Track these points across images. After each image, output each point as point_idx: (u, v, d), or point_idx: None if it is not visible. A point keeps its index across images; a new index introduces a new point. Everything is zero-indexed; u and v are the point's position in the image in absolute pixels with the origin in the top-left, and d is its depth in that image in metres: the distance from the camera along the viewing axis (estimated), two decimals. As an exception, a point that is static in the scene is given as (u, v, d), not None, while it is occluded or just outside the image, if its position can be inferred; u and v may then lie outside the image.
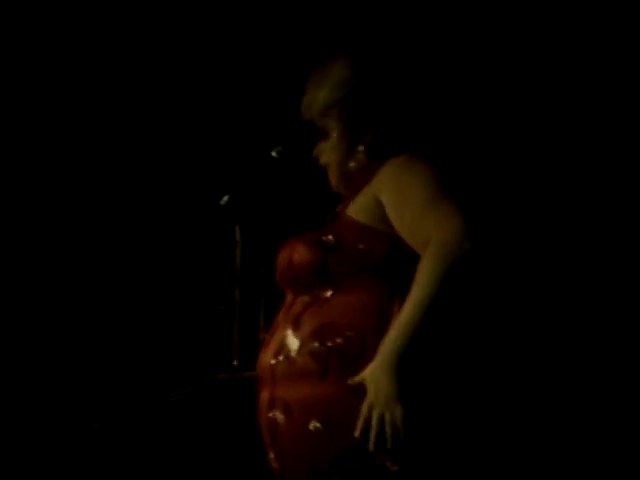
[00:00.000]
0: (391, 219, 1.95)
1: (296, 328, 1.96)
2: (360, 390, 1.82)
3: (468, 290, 1.89)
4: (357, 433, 1.79)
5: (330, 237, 1.98)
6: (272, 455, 1.98)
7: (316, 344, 1.91)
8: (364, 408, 1.79)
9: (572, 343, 2.82)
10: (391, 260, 1.94)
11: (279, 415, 1.93)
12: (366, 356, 1.85)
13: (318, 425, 1.87)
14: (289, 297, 2.07)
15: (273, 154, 2.17)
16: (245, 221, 2.17)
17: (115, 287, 3.15)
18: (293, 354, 1.94)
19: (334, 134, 2.12)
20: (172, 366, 3.04)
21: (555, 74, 2.86)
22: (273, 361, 1.98)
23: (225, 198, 2.13)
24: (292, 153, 2.18)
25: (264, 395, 2.01)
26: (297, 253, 2.00)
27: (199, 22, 3.11)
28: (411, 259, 1.89)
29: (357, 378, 1.83)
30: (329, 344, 1.90)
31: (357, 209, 2.00)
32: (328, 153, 2.14)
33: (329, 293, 1.97)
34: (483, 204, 2.63)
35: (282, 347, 1.97)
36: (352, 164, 2.12)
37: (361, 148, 2.10)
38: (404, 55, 2.23)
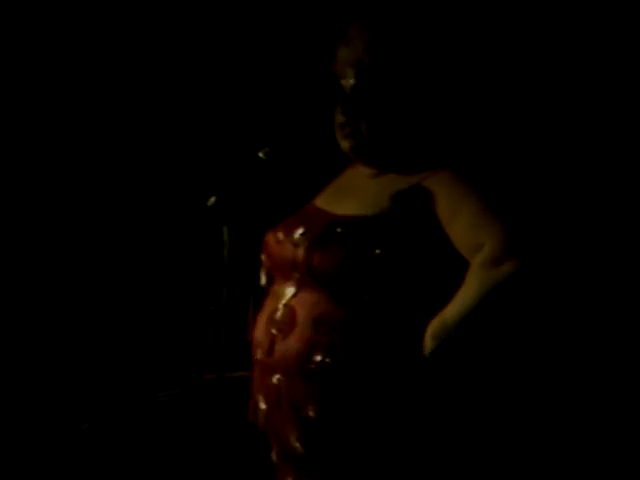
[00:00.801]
0: (445, 229, 1.94)
1: (332, 329, 1.97)
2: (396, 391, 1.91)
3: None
4: None
5: (374, 246, 1.96)
6: (297, 444, 2.00)
7: (356, 347, 1.94)
8: None
9: (572, 342, 2.82)
10: (431, 274, 1.96)
11: (313, 410, 1.96)
12: (402, 361, 1.92)
13: (354, 422, 1.93)
14: (302, 289, 2.04)
15: (260, 155, 2.16)
16: (233, 222, 2.17)
17: (103, 287, 3.14)
18: (333, 356, 1.95)
19: (382, 105, 2.05)
20: (161, 366, 3.04)
21: (560, 76, 2.86)
22: (307, 359, 1.98)
23: (212, 199, 2.13)
24: (280, 154, 2.18)
25: (292, 389, 2.01)
26: (337, 258, 1.97)
27: (183, 24, 3.10)
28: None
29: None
30: (370, 349, 1.93)
31: (408, 224, 1.98)
32: (368, 118, 2.05)
33: (361, 297, 1.97)
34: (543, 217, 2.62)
35: (318, 346, 1.97)
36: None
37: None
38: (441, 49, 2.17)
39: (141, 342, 3.10)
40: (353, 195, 2.08)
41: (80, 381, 3.08)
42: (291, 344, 2.00)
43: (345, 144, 2.10)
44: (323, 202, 2.15)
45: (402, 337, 1.93)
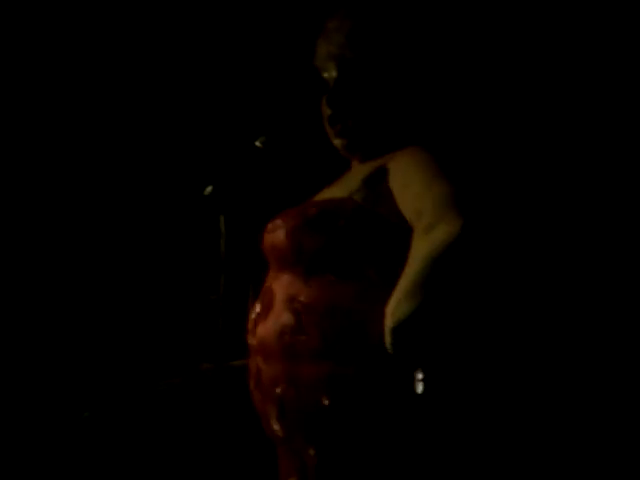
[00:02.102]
0: (397, 202, 1.97)
1: (303, 309, 1.98)
2: (369, 369, 1.90)
3: (467, 283, 1.90)
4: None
5: (342, 223, 2.00)
6: (277, 427, 2.01)
7: (328, 326, 1.95)
8: None
9: (571, 341, 2.82)
10: (399, 251, 1.93)
11: (288, 390, 1.97)
12: (373, 339, 1.90)
13: (328, 401, 1.92)
14: (281, 272, 2.07)
15: (257, 144, 2.16)
16: (230, 211, 2.17)
17: (102, 277, 3.14)
18: (303, 335, 1.96)
19: (366, 96, 2.09)
20: (161, 356, 3.05)
21: (554, 68, 2.86)
22: (279, 339, 2.00)
23: (209, 188, 2.13)
24: (276, 143, 2.18)
25: (268, 370, 2.03)
26: (307, 237, 2.01)
27: (175, 16, 3.10)
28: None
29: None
30: (340, 327, 1.94)
31: (372, 201, 2.01)
32: (354, 112, 2.11)
33: (334, 276, 1.99)
34: (485, 189, 2.62)
35: (288, 326, 1.99)
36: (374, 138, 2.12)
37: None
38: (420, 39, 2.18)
39: (140, 332, 3.11)
40: (342, 184, 2.13)
41: (80, 370, 3.08)
42: (268, 325, 2.03)
43: (337, 142, 2.15)
44: (320, 194, 2.18)
45: (370, 314, 1.92)
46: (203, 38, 3.10)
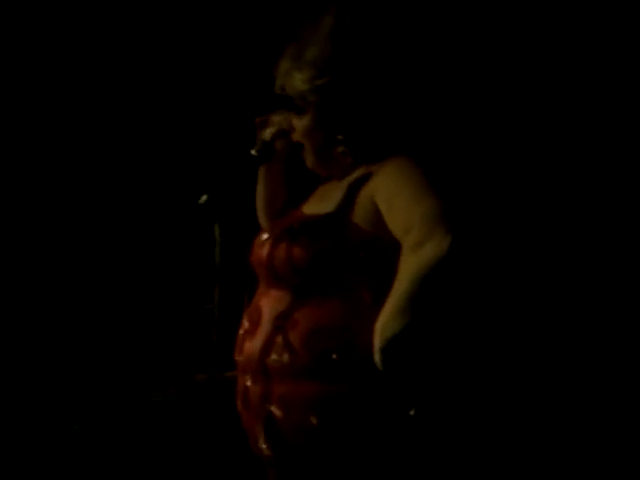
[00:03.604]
0: (384, 218, 1.95)
1: (290, 327, 1.97)
2: (356, 385, 1.89)
3: (460, 289, 1.89)
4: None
5: (329, 242, 1.97)
6: (265, 445, 1.99)
7: (315, 345, 1.93)
8: None
9: (571, 342, 2.82)
10: (388, 268, 1.93)
11: (276, 410, 1.95)
12: (362, 357, 1.88)
13: (317, 421, 1.91)
14: (269, 289, 2.06)
15: (253, 153, 2.16)
16: (224, 220, 2.16)
17: (95, 287, 3.13)
18: (290, 353, 1.95)
19: (309, 118, 2.06)
20: (153, 366, 3.03)
21: (546, 71, 2.87)
22: (265, 357, 1.98)
23: (204, 197, 2.12)
24: (272, 152, 2.17)
25: (255, 389, 2.01)
26: (295, 254, 1.98)
27: (175, 25, 3.10)
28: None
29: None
30: (328, 345, 1.92)
31: (359, 216, 1.99)
32: (302, 133, 2.08)
33: (322, 294, 1.97)
34: (474, 202, 2.63)
35: (275, 344, 1.97)
36: (331, 156, 2.08)
37: (341, 148, 2.06)
38: (398, 50, 2.15)
39: (133, 341, 3.09)
40: (327, 197, 2.09)
41: (72, 381, 3.07)
42: (255, 343, 2.02)
43: (307, 163, 2.13)
44: (306, 205, 2.16)
45: (358, 332, 1.92)
46: (200, 49, 3.10)
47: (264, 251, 2.04)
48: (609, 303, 2.81)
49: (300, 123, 2.07)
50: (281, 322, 1.98)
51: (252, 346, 2.02)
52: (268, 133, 2.14)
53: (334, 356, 1.91)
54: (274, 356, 1.97)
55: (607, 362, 2.79)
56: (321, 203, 2.09)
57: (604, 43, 2.80)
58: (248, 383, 2.03)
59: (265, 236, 2.07)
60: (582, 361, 2.80)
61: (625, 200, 2.82)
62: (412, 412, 1.90)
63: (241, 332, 2.09)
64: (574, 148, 2.85)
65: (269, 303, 2.03)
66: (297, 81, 2.03)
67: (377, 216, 1.96)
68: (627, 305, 2.80)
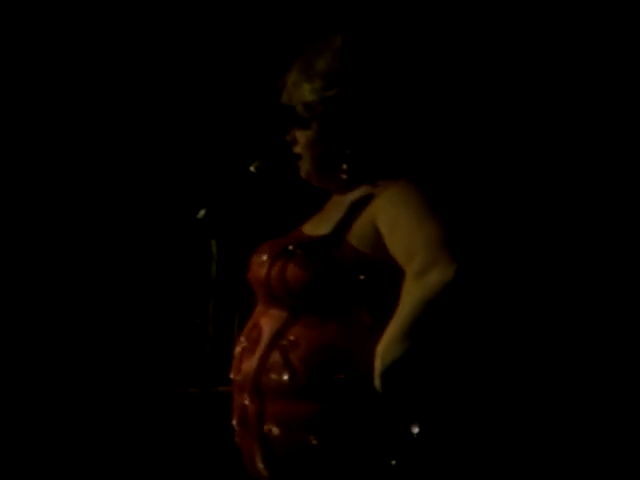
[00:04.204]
0: (386, 242, 1.95)
1: (291, 346, 1.97)
2: (355, 407, 1.89)
3: (463, 314, 1.90)
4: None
5: (325, 263, 1.97)
6: (262, 465, 1.98)
7: (315, 365, 1.93)
8: None
9: (570, 343, 2.83)
10: (389, 290, 1.93)
11: (274, 429, 1.95)
12: (362, 379, 1.89)
13: (316, 441, 1.91)
14: (268, 308, 2.06)
15: (251, 169, 2.16)
16: (222, 235, 2.16)
17: (90, 298, 3.12)
18: (290, 373, 1.95)
19: (314, 130, 2.06)
20: (145, 379, 3.02)
21: (550, 82, 2.88)
22: (264, 376, 1.98)
23: (202, 212, 2.13)
24: (270, 168, 2.18)
25: (253, 408, 2.01)
26: (288, 276, 1.98)
27: (174, 38, 3.11)
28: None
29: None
30: (328, 366, 1.93)
31: (358, 238, 1.99)
32: (305, 145, 2.08)
33: (322, 315, 1.97)
34: (476, 227, 2.63)
35: (274, 363, 1.97)
36: (329, 168, 2.09)
37: (342, 162, 2.07)
38: (406, 65, 2.15)
39: (126, 354, 3.09)
40: (326, 218, 2.10)
41: (64, 393, 3.05)
42: (253, 362, 2.01)
43: (301, 173, 2.13)
44: (307, 226, 2.16)
45: (358, 354, 1.92)
46: (198, 60, 3.11)
47: (262, 271, 2.04)
48: (610, 316, 2.82)
49: (304, 135, 2.08)
50: (281, 341, 1.98)
51: (250, 365, 2.02)
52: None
53: (336, 376, 1.92)
54: (273, 375, 1.97)
55: (607, 368, 2.80)
56: (320, 224, 2.09)
57: (604, 44, 2.81)
58: (246, 402, 2.02)
59: (265, 257, 2.06)
60: (582, 372, 2.81)
61: (627, 214, 2.83)
62: (415, 432, 1.90)
63: (238, 350, 2.08)
64: (578, 167, 2.86)
65: (269, 322, 2.03)
66: (305, 91, 2.03)
67: (377, 239, 1.96)
68: (627, 313, 2.81)
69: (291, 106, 2.08)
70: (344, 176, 2.07)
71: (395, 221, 1.93)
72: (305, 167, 2.12)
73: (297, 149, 2.11)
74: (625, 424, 2.78)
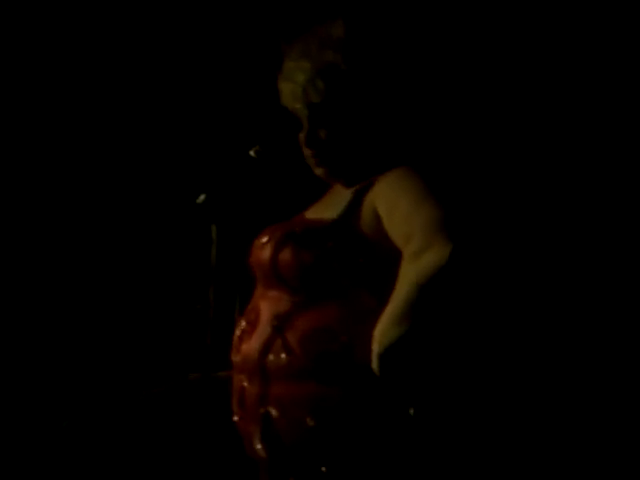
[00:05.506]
0: (385, 226, 1.96)
1: (288, 328, 1.98)
2: (353, 389, 1.90)
3: (459, 296, 1.90)
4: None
5: (333, 247, 1.98)
6: (260, 446, 1.99)
7: (312, 346, 1.94)
8: None
9: (571, 347, 2.83)
10: (388, 274, 1.93)
11: (273, 410, 1.96)
12: (360, 360, 1.90)
13: (313, 422, 1.91)
14: (267, 290, 2.07)
15: (251, 154, 2.16)
16: (222, 220, 2.16)
17: (89, 286, 3.13)
18: (288, 354, 1.96)
19: (334, 127, 2.06)
20: (146, 365, 3.03)
21: (550, 84, 2.89)
22: (262, 358, 1.99)
23: (202, 197, 2.13)
24: (270, 153, 2.18)
25: (252, 389, 2.02)
26: (294, 256, 1.99)
27: (174, 23, 3.10)
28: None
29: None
30: (325, 347, 1.93)
31: (360, 222, 2.00)
32: (324, 144, 2.07)
33: (321, 297, 1.98)
34: (479, 207, 2.63)
35: (273, 345, 1.98)
36: (338, 162, 2.09)
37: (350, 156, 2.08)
38: (410, 58, 2.15)
39: (127, 340, 3.09)
40: (331, 204, 2.10)
41: (64, 379, 3.06)
42: (253, 343, 2.02)
43: (318, 172, 2.12)
44: (309, 212, 2.18)
45: (357, 335, 1.92)
46: (198, 48, 3.11)
47: (265, 253, 2.04)
48: (609, 314, 2.82)
49: (323, 133, 2.08)
50: (279, 323, 1.99)
51: (249, 346, 2.03)
52: None
53: (332, 358, 1.93)
54: (271, 357, 1.98)
55: (607, 370, 2.81)
56: (324, 209, 2.11)
57: (604, 44, 2.81)
58: (244, 383, 2.03)
59: (266, 239, 2.06)
60: (582, 367, 2.82)
61: (627, 217, 2.84)
62: (411, 411, 1.90)
63: (238, 332, 2.09)
64: (574, 157, 2.86)
65: (268, 304, 2.04)
66: (319, 90, 2.04)
67: (378, 223, 1.97)
68: (627, 315, 2.82)
69: (299, 107, 2.08)
70: (354, 166, 2.08)
71: (394, 204, 1.94)
72: (328, 166, 2.10)
73: (309, 150, 2.10)
74: (625, 421, 2.78)
